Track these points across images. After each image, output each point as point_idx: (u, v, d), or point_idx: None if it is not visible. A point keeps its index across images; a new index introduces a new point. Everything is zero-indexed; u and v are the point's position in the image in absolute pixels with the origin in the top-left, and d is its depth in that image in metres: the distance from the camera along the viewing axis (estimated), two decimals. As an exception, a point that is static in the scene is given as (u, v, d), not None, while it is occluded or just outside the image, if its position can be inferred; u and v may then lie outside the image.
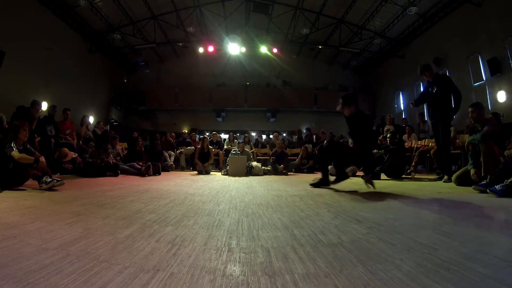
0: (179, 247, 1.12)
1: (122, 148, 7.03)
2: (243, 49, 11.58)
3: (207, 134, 11.95)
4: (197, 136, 11.13)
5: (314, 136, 9.97)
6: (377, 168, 5.28)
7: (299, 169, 7.25)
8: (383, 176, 5.14)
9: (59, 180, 2.89)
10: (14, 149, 2.86)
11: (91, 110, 10.78)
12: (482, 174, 3.04)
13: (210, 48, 11.27)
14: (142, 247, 1.11)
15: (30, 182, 2.96)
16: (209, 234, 1.32)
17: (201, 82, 13.99)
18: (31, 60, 7.77)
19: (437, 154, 5.87)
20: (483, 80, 7.64)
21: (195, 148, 7.39)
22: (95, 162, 5.05)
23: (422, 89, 10.62)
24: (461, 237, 1.24)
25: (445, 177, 4.10)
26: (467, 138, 3.69)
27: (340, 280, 0.82)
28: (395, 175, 5.04)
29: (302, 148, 7.68)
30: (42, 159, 2.97)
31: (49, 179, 2.84)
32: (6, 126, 4.31)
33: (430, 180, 4.61)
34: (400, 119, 10.21)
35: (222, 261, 0.97)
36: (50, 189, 2.79)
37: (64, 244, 1.12)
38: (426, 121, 8.21)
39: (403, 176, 5.20)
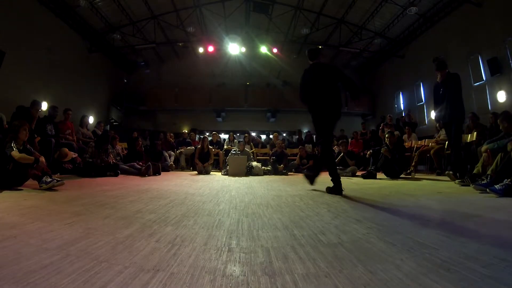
0: (179, 247, 1.12)
1: (122, 148, 7.03)
2: (243, 49, 11.57)
3: (207, 134, 11.95)
4: (197, 136, 11.11)
5: (314, 136, 9.97)
6: (372, 168, 5.29)
7: (299, 169, 7.26)
8: (382, 175, 5.15)
9: (59, 180, 2.89)
10: (14, 149, 2.86)
11: (91, 110, 10.77)
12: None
13: (210, 48, 11.27)
14: (142, 247, 1.11)
15: (30, 182, 2.96)
16: (209, 234, 1.32)
17: (201, 82, 13.98)
18: (31, 60, 7.76)
19: (437, 154, 5.85)
20: (483, 80, 7.63)
21: (195, 148, 7.39)
22: (95, 162, 5.04)
23: (423, 91, 10.64)
24: (461, 237, 1.24)
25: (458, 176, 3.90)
26: (485, 146, 3.52)
27: (340, 280, 0.82)
28: (392, 175, 5.03)
29: (300, 148, 7.74)
30: (42, 159, 2.98)
31: (49, 179, 2.84)
32: (6, 126, 4.31)
33: (431, 179, 4.61)
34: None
35: (222, 261, 0.97)
36: (50, 189, 2.78)
37: (64, 244, 1.12)
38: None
39: (402, 176, 5.18)
